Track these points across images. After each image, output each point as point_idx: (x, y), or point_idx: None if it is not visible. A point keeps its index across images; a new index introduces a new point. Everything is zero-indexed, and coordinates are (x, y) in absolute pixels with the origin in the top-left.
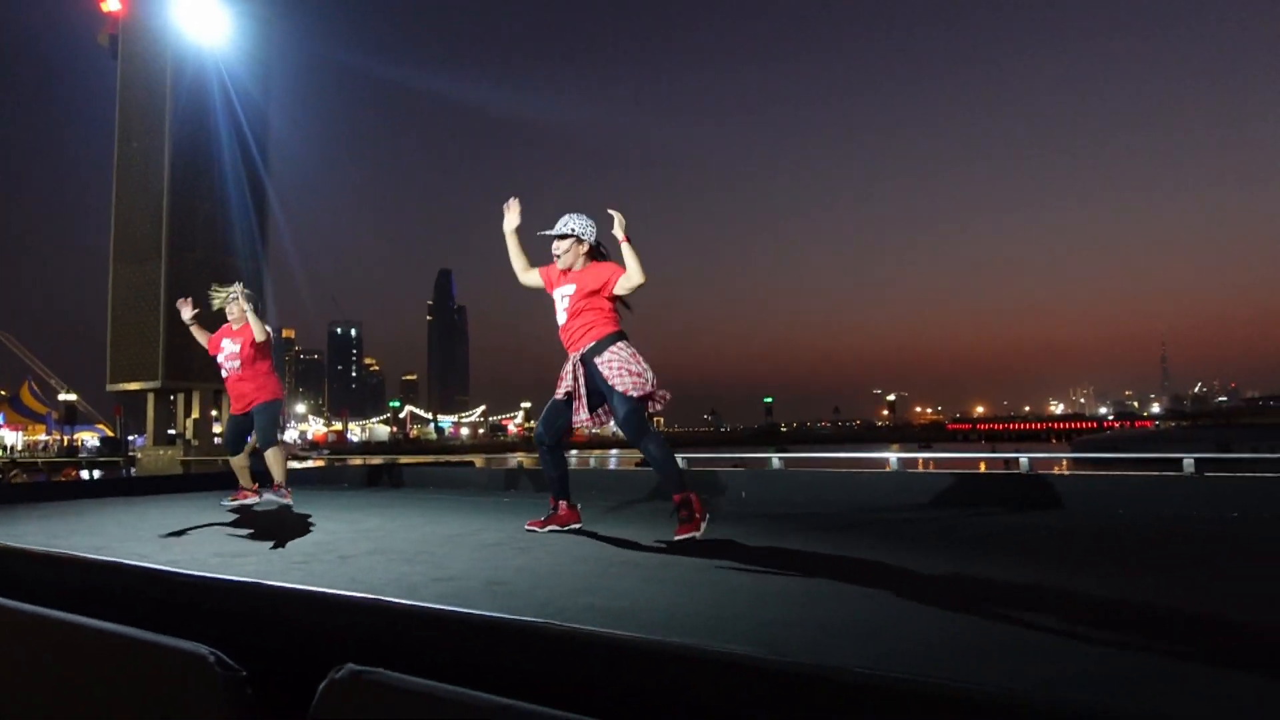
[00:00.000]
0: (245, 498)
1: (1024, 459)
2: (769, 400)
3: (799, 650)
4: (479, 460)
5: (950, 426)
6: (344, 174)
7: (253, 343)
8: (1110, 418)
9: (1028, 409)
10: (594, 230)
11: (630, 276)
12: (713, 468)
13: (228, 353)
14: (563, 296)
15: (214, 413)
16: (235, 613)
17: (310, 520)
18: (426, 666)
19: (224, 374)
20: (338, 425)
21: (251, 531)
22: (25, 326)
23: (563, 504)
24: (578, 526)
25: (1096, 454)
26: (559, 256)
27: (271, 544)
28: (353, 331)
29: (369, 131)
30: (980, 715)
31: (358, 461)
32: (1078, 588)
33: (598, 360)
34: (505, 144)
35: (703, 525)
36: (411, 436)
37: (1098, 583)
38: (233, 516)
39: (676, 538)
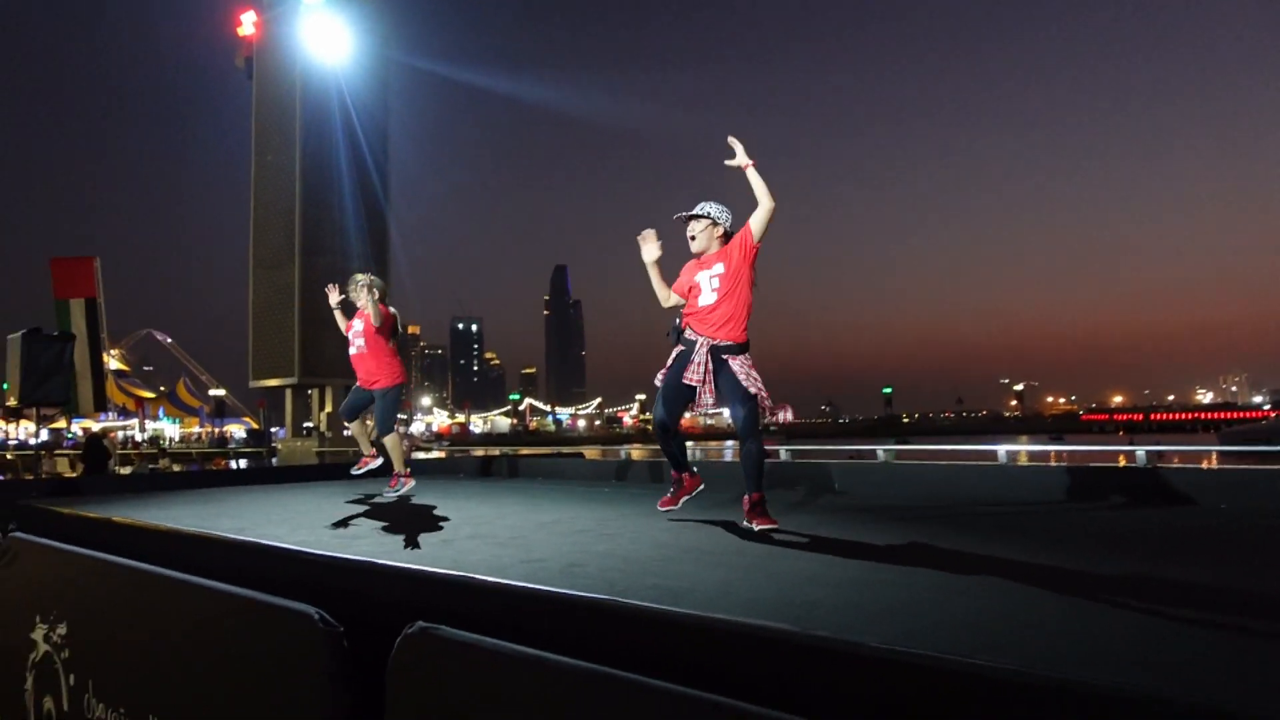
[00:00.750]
0: (368, 464)
1: (1141, 451)
2: (888, 390)
3: (822, 626)
4: (590, 452)
5: (1085, 417)
6: (464, 177)
7: (373, 327)
8: (1266, 406)
9: (1171, 398)
10: (729, 218)
11: (760, 205)
12: (819, 460)
13: (355, 331)
14: (712, 277)
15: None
16: (337, 582)
17: (423, 507)
18: (482, 627)
19: (351, 350)
20: (461, 417)
21: (370, 516)
22: (180, 327)
23: (685, 475)
24: (702, 488)
25: (1247, 446)
26: (694, 238)
27: (385, 527)
28: (474, 327)
29: (487, 136)
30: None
31: (479, 452)
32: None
33: (732, 360)
34: (617, 145)
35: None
36: (531, 428)
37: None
38: (359, 503)
39: (756, 528)
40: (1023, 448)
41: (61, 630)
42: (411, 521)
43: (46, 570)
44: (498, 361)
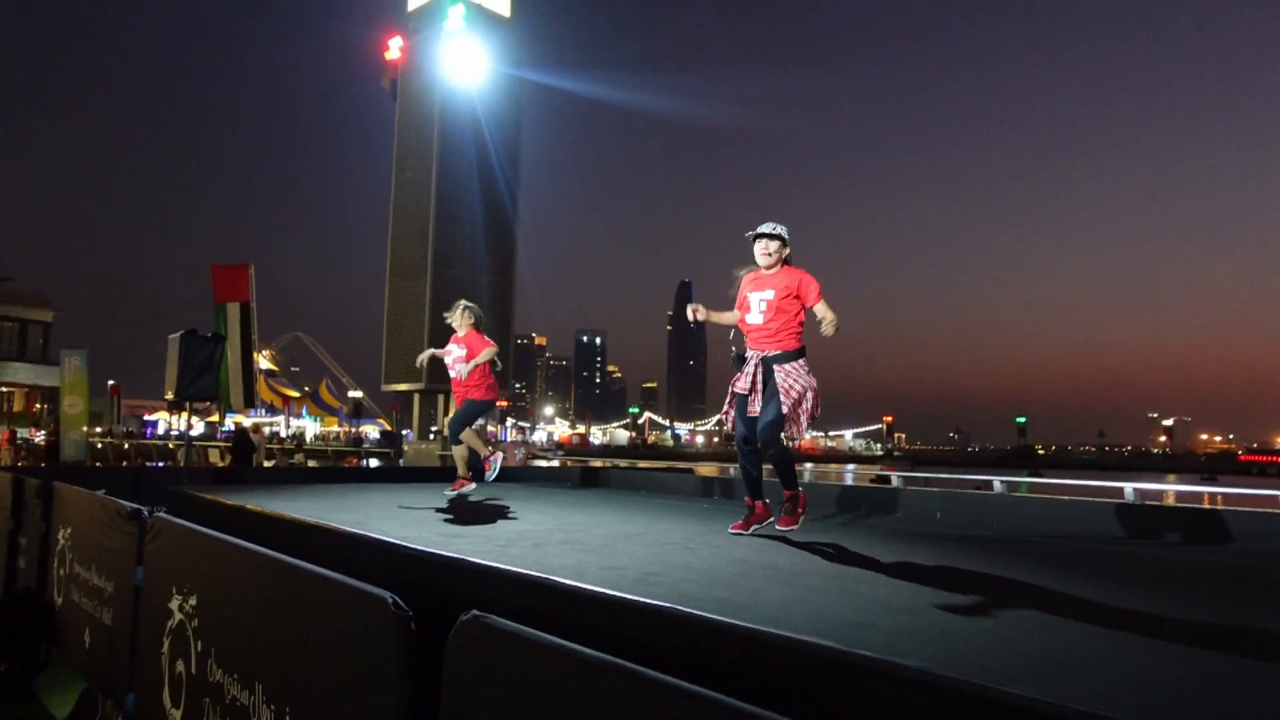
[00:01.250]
0: (462, 486)
1: None
2: (1022, 420)
3: (867, 647)
4: (704, 468)
5: (1243, 458)
6: (591, 193)
7: (473, 353)
8: None
9: None
10: (789, 239)
11: (828, 316)
12: (927, 487)
13: (453, 357)
14: (760, 300)
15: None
16: (413, 571)
17: (525, 512)
18: (535, 621)
19: (451, 374)
20: (581, 428)
21: (473, 518)
22: (324, 331)
23: (759, 503)
24: (771, 520)
25: None
26: (769, 254)
27: (484, 530)
28: (598, 340)
29: (617, 151)
30: None
31: (596, 463)
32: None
33: (779, 366)
34: (744, 159)
35: (800, 521)
36: (649, 442)
37: None
38: (468, 504)
39: (779, 528)
40: (1155, 486)
41: (193, 601)
42: (510, 525)
43: (182, 548)
44: (620, 375)
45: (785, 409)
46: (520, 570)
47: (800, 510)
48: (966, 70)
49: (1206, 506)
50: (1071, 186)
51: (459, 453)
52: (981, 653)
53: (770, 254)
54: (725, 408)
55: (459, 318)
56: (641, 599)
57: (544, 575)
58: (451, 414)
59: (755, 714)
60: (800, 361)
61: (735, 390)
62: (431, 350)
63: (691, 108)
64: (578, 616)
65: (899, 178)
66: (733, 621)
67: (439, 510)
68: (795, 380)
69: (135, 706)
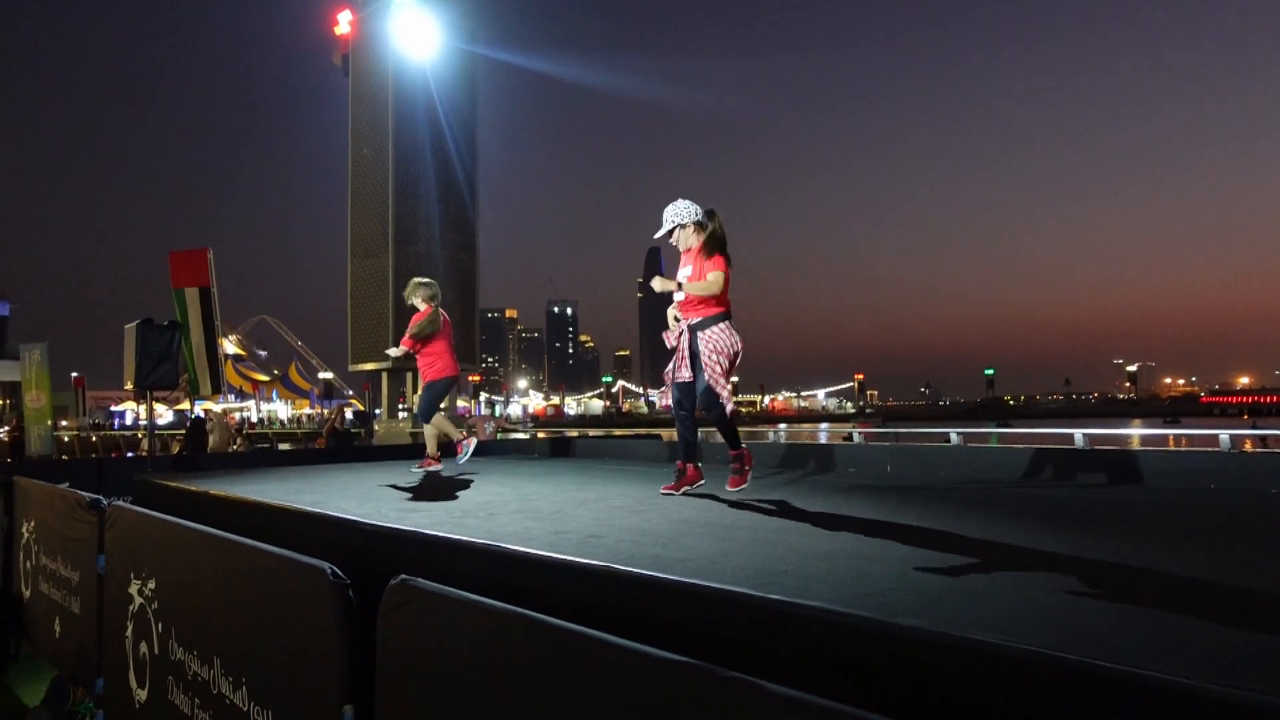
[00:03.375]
0: (429, 465)
1: (1224, 435)
2: (990, 372)
3: (779, 591)
4: (672, 434)
5: (1206, 399)
6: (556, 165)
7: (409, 333)
8: None
9: None
10: (693, 211)
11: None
12: (884, 443)
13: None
14: (683, 278)
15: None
16: (353, 541)
17: (486, 485)
18: (465, 582)
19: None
20: (555, 400)
21: (436, 493)
22: (290, 313)
23: (690, 466)
24: (703, 484)
25: None
26: (676, 244)
27: (442, 503)
28: (569, 310)
29: (580, 125)
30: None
31: (572, 434)
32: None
33: (701, 333)
34: (708, 131)
35: (749, 478)
36: (624, 410)
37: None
38: (431, 479)
39: (728, 489)
40: (1105, 431)
41: (151, 585)
42: (468, 497)
43: (139, 534)
44: (592, 344)
45: (709, 375)
46: (453, 536)
47: (747, 468)
48: (929, 41)
49: (1142, 448)
50: (1028, 141)
51: (428, 431)
52: (885, 591)
53: (678, 243)
54: (665, 375)
55: (413, 295)
56: (564, 556)
57: (479, 540)
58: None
59: (641, 651)
60: (722, 325)
61: (671, 365)
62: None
63: (660, 85)
64: (510, 578)
65: (864, 142)
66: (649, 573)
67: (401, 487)
68: (716, 344)
69: (104, 690)
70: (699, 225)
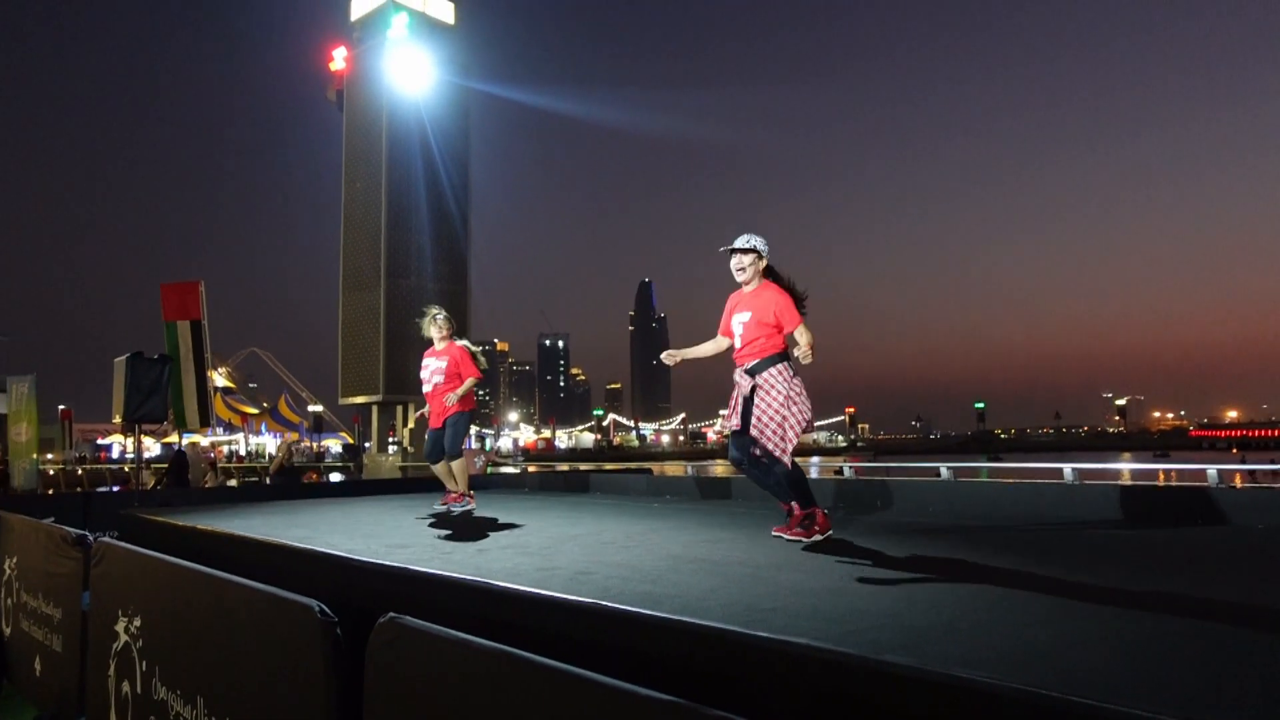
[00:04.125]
0: (453, 500)
1: (1212, 470)
2: (981, 405)
3: (765, 628)
4: (671, 468)
5: (1194, 433)
6: (549, 199)
7: (458, 367)
8: None
9: None
10: (767, 248)
11: (803, 337)
12: (880, 476)
13: (431, 369)
14: (740, 324)
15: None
16: (340, 577)
17: (478, 520)
18: (454, 618)
19: (425, 389)
20: (546, 433)
21: (427, 529)
22: (280, 346)
23: (818, 511)
24: (831, 533)
25: None
26: (742, 269)
27: (432, 539)
28: (560, 343)
29: (570, 157)
30: None
31: (562, 468)
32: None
33: (758, 377)
34: (701, 161)
35: (815, 538)
36: (615, 444)
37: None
38: (420, 516)
39: (782, 534)
40: (1093, 465)
41: (137, 623)
42: (459, 533)
43: (126, 571)
44: (584, 377)
45: (768, 427)
46: (444, 573)
47: (816, 528)
48: (921, 69)
49: (1123, 483)
50: (1016, 173)
51: (450, 468)
52: (876, 628)
53: (744, 268)
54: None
55: (435, 327)
56: (559, 594)
57: (467, 577)
58: (412, 423)
59: (627, 690)
60: (779, 366)
61: (724, 414)
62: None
63: (644, 117)
64: (499, 614)
65: (853, 172)
66: (637, 610)
67: (390, 522)
68: (774, 391)
69: None
70: (770, 269)
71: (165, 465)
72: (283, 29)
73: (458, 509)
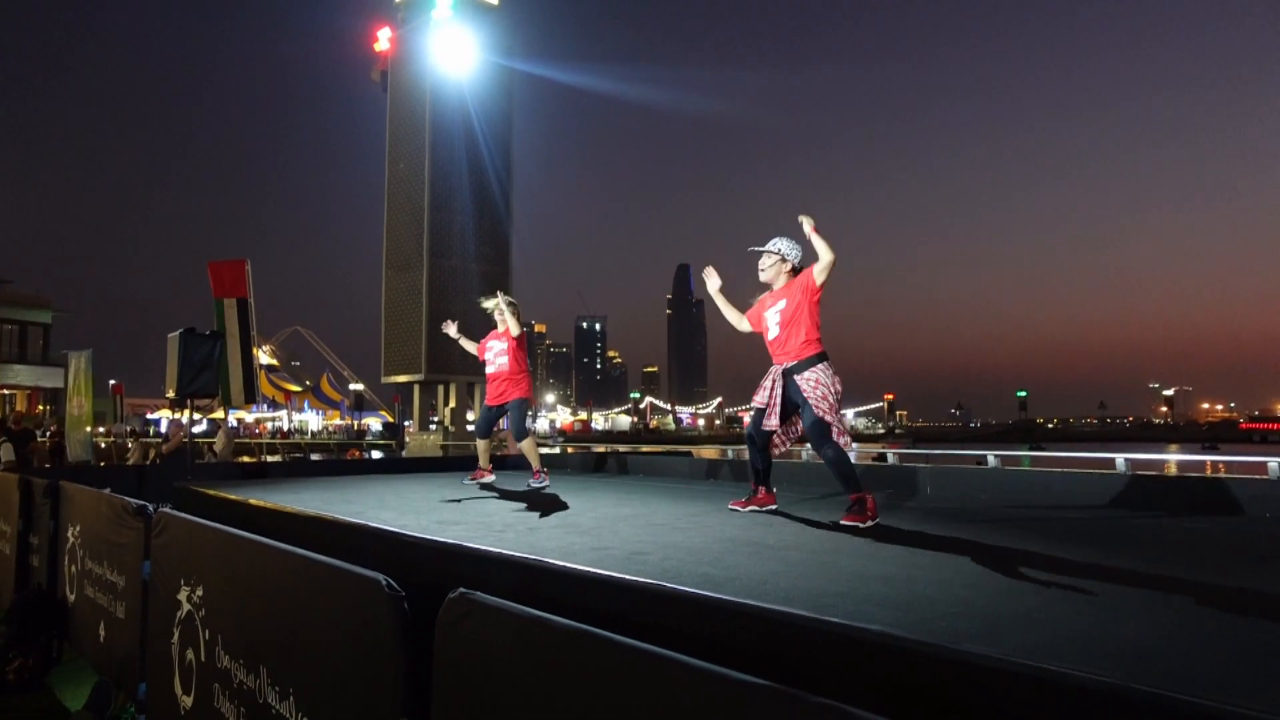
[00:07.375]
0: (481, 476)
1: (1274, 463)
2: (1023, 394)
3: (833, 613)
4: (707, 451)
5: (1245, 425)
6: (589, 180)
7: (515, 345)
8: None
9: None
10: (799, 254)
11: (822, 256)
12: (916, 464)
13: (495, 351)
14: (775, 313)
15: (469, 402)
16: (406, 555)
17: (525, 499)
18: (519, 599)
19: (489, 369)
20: (583, 415)
21: (470, 506)
22: (323, 325)
23: (761, 489)
24: (773, 508)
25: None
26: (763, 270)
27: (482, 516)
28: (598, 326)
29: (613, 139)
30: None
31: (599, 449)
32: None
33: (798, 377)
34: (741, 145)
35: (869, 523)
36: (651, 426)
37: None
38: (467, 492)
39: (842, 521)
40: (1146, 456)
41: (200, 592)
42: (507, 511)
43: (187, 541)
44: (620, 360)
45: (820, 413)
46: (505, 551)
47: (870, 514)
48: (962, 50)
49: (1178, 474)
50: (1068, 160)
51: (482, 446)
52: (946, 615)
53: (765, 269)
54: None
55: (501, 314)
56: (620, 575)
57: (527, 555)
58: (453, 403)
59: (720, 674)
60: (821, 366)
61: (755, 404)
62: (461, 336)
63: (687, 99)
64: (560, 593)
65: (894, 158)
66: (706, 593)
67: (437, 499)
68: (818, 384)
69: (147, 695)
70: (783, 258)
71: (210, 440)
72: (329, 8)
73: (535, 484)
